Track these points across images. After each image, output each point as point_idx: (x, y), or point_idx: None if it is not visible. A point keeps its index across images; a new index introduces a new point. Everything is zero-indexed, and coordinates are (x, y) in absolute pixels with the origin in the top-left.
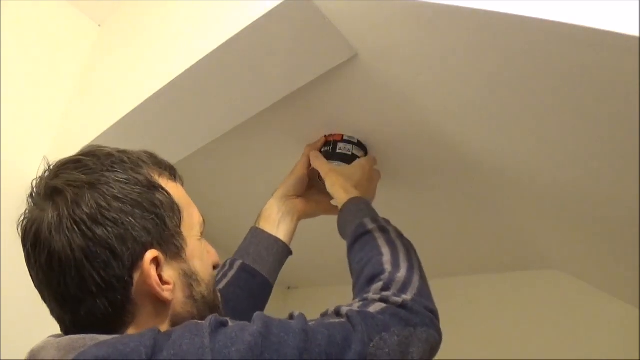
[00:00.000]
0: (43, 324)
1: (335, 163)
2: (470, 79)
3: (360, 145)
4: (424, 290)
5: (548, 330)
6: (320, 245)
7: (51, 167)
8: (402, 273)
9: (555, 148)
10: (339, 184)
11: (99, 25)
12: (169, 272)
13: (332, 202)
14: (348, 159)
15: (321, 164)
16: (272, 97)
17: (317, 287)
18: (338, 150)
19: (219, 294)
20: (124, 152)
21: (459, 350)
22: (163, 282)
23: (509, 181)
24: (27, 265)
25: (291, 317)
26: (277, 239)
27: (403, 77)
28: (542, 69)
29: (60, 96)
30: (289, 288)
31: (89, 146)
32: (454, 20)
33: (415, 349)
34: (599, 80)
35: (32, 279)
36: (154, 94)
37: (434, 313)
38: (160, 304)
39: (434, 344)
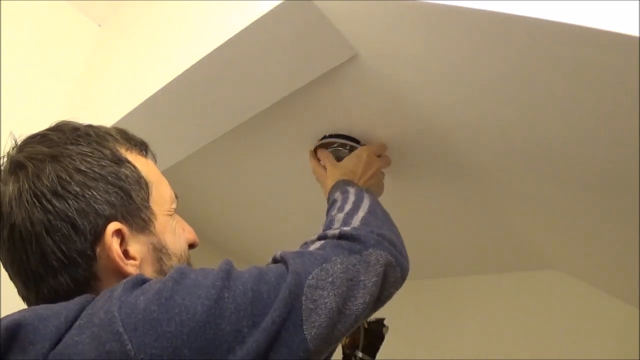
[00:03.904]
0: None
1: (346, 141)
2: (470, 78)
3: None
4: (370, 221)
5: (548, 330)
6: None
7: (18, 143)
8: (344, 212)
9: (555, 147)
10: (332, 176)
11: (99, 25)
12: (135, 247)
13: None
14: (353, 139)
15: (325, 158)
16: (272, 97)
17: None
18: (341, 132)
19: None
20: (91, 126)
21: (459, 350)
22: (128, 257)
23: (509, 181)
24: None
25: None
26: None
27: (403, 77)
28: (543, 68)
29: (59, 96)
30: None
31: (57, 121)
32: (454, 20)
33: (365, 276)
34: (599, 80)
35: None
36: (154, 94)
37: (383, 236)
38: None
39: (388, 265)
